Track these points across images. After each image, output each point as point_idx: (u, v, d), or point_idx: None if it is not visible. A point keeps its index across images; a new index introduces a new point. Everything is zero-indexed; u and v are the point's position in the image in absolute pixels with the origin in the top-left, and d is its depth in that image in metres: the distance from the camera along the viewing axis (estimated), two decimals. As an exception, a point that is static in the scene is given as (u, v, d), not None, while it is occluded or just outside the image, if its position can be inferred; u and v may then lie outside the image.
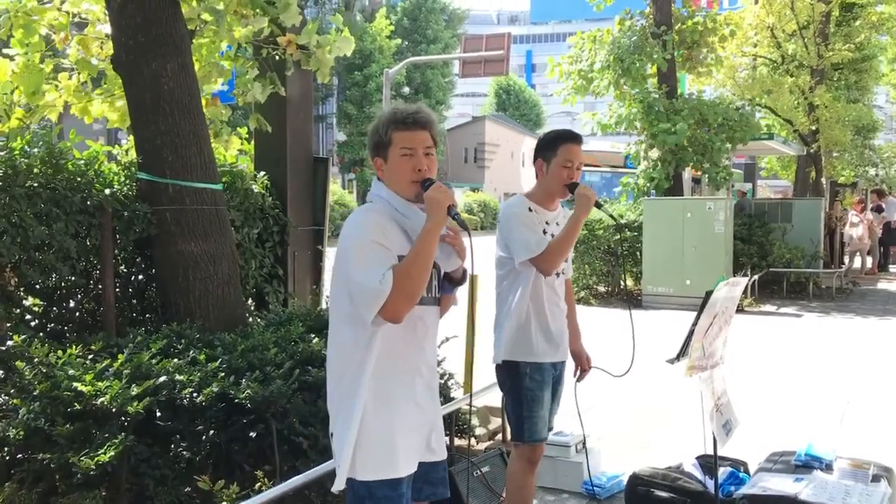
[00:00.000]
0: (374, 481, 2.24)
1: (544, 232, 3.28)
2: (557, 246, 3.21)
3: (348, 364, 2.29)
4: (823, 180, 20.64)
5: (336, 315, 2.35)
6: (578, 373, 3.58)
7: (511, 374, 3.31)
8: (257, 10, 4.84)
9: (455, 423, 4.95)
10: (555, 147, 3.26)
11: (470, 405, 5.15)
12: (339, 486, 2.27)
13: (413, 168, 2.32)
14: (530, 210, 3.29)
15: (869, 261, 18.41)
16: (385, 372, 2.28)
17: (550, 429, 3.52)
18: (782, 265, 13.78)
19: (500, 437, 5.27)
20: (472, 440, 5.17)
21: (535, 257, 3.18)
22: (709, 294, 3.04)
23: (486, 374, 5.43)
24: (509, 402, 3.37)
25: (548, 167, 3.27)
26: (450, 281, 2.45)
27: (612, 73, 14.00)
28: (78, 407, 3.17)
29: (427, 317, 2.38)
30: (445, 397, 4.88)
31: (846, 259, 17.93)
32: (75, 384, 3.16)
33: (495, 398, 5.29)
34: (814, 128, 18.96)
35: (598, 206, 3.33)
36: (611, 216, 3.62)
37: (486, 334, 5.08)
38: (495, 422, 5.43)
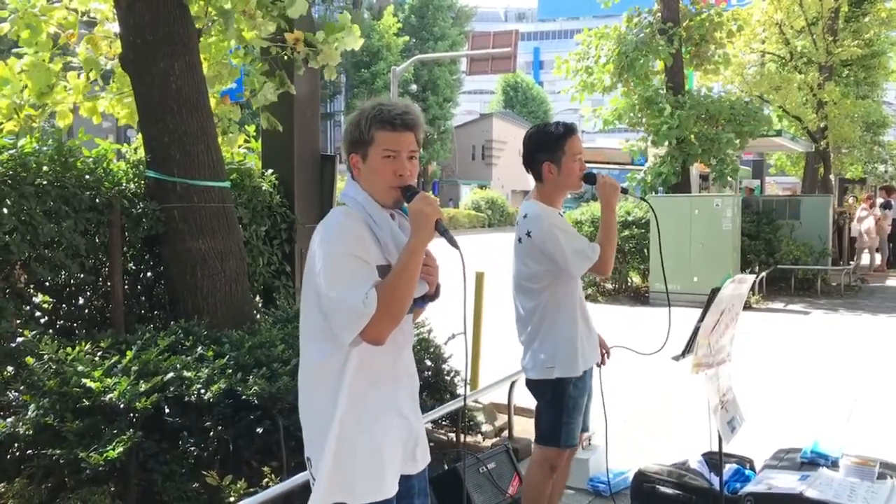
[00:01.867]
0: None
1: None
2: (608, 244, 3.19)
3: (323, 382, 2.12)
4: (832, 177, 20.56)
5: (307, 329, 2.18)
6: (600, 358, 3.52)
7: (556, 387, 3.23)
8: (265, 10, 4.84)
9: (461, 420, 4.97)
10: (561, 144, 3.19)
11: (465, 401, 5.16)
12: None
13: (394, 172, 2.13)
14: (561, 214, 3.26)
15: (878, 258, 18.33)
16: (366, 386, 2.13)
17: (586, 429, 3.50)
18: (790, 262, 13.73)
19: (505, 433, 5.28)
20: (479, 437, 5.19)
21: (598, 262, 3.16)
22: (715, 291, 3.04)
23: (491, 371, 5.46)
24: (548, 409, 3.28)
25: (559, 167, 3.21)
26: (423, 298, 2.23)
27: (615, 68, 13.95)
28: (87, 403, 3.19)
29: (405, 326, 2.22)
30: (451, 394, 4.90)
31: (855, 256, 17.85)
32: (84, 381, 3.19)
33: (501, 395, 5.31)
34: (822, 124, 18.89)
35: (625, 191, 3.29)
36: (641, 198, 3.57)
37: (491, 332, 5.13)
38: (501, 418, 5.44)
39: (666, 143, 13.22)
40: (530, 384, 3.35)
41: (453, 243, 2.12)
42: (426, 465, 2.33)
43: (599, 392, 3.41)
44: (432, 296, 2.25)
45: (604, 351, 3.52)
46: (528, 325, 3.30)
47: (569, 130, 3.23)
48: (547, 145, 3.22)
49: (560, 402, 3.25)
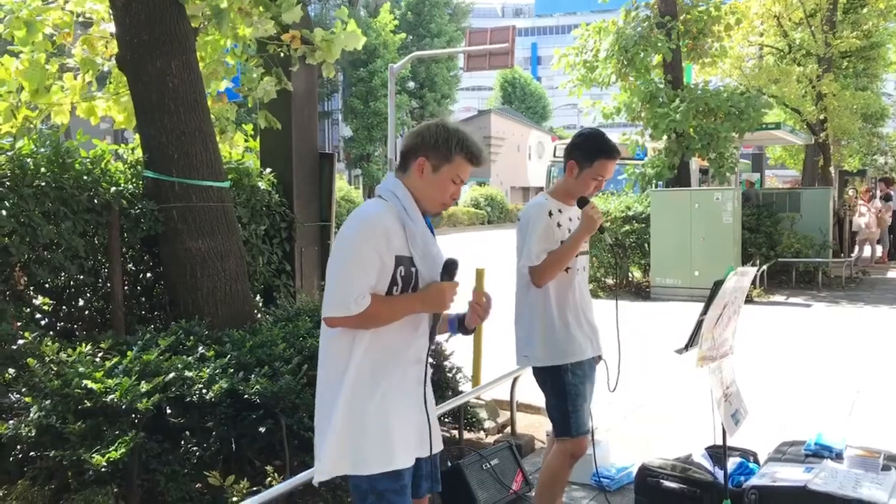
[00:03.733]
0: (375, 475, 2.23)
1: (569, 230, 3.29)
2: (554, 261, 3.22)
3: (335, 355, 2.27)
4: (832, 169, 20.52)
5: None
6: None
7: (553, 374, 3.30)
8: (260, 9, 4.84)
9: (464, 417, 4.96)
10: (593, 159, 3.24)
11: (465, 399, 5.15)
12: (319, 478, 2.27)
13: (452, 196, 2.38)
14: (551, 214, 3.27)
15: (879, 250, 18.33)
16: (381, 364, 2.26)
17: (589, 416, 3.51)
18: (791, 255, 13.72)
19: (508, 430, 5.27)
20: (481, 433, 5.18)
21: (533, 267, 3.22)
22: (717, 284, 3.03)
23: (493, 367, 5.45)
24: (552, 399, 3.34)
25: (579, 172, 3.28)
26: (461, 328, 2.47)
27: (616, 63, 13.94)
28: (88, 404, 3.18)
29: (425, 316, 2.37)
30: (454, 390, 4.90)
31: (856, 248, 17.84)
32: (86, 382, 3.18)
33: (504, 392, 5.30)
34: (822, 117, 18.85)
35: (602, 230, 3.31)
36: (610, 245, 3.61)
37: (494, 329, 5.09)
38: (504, 415, 5.43)
39: (664, 136, 13.19)
40: (533, 370, 3.40)
41: (431, 337, 2.36)
42: (438, 450, 2.42)
43: (607, 385, 3.41)
44: (466, 330, 2.47)
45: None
46: (521, 309, 3.37)
47: (609, 153, 3.26)
48: (585, 149, 3.28)
49: (561, 390, 3.29)
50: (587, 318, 3.38)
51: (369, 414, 2.23)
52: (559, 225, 3.29)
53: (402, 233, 2.27)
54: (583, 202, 3.27)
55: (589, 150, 3.26)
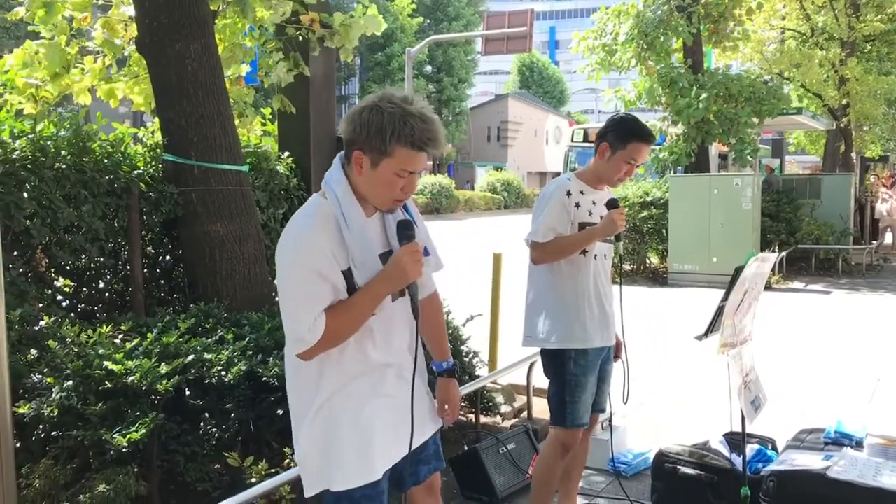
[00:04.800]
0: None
1: (590, 213, 3.23)
2: (560, 246, 3.17)
3: (307, 368, 2.09)
4: (853, 155, 20.26)
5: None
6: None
7: (555, 360, 3.26)
8: None
9: (481, 401, 4.97)
10: (626, 141, 3.16)
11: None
12: (309, 493, 2.15)
13: (403, 189, 2.05)
14: (569, 194, 3.21)
15: (900, 237, 18.12)
16: (355, 373, 2.11)
17: (602, 410, 3.47)
18: (811, 242, 13.60)
19: (525, 414, 5.28)
20: (498, 418, 5.19)
21: (536, 242, 3.18)
22: (738, 270, 3.00)
23: (510, 352, 5.45)
24: (552, 385, 3.30)
25: (611, 154, 3.19)
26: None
27: (636, 47, 13.81)
28: (109, 385, 3.21)
29: (396, 310, 2.17)
30: (470, 375, 4.90)
31: (878, 235, 17.64)
32: (106, 363, 3.21)
33: (520, 376, 5.30)
34: (844, 102, 18.59)
35: (618, 238, 3.27)
36: (620, 256, 3.56)
37: (510, 313, 5.10)
38: (520, 399, 5.44)
39: (687, 122, 13.07)
40: (541, 356, 3.38)
41: (415, 311, 2.11)
42: (433, 431, 2.33)
43: (624, 371, 3.39)
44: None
45: (619, 345, 3.47)
46: (531, 288, 3.34)
47: (645, 137, 3.19)
48: (620, 132, 3.19)
49: (561, 378, 3.24)
50: (601, 307, 3.29)
51: (345, 428, 2.09)
52: (577, 205, 3.21)
53: (339, 240, 2.02)
54: (612, 204, 3.22)
55: (624, 132, 3.18)
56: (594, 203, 3.27)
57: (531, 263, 3.31)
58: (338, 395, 2.10)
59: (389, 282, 2.04)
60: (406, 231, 2.08)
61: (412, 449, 2.18)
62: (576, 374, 3.22)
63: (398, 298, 2.16)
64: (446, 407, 2.43)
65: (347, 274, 2.03)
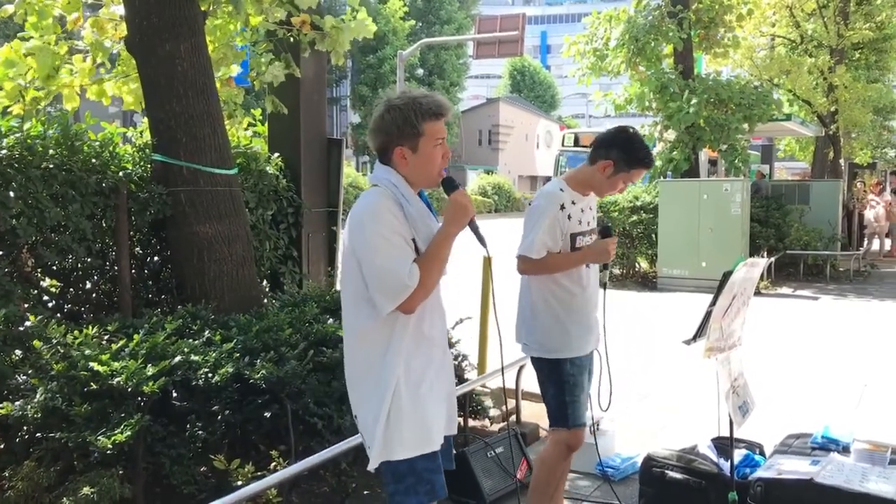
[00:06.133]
0: (415, 457, 2.27)
1: (580, 222, 3.25)
2: (551, 265, 3.20)
3: (373, 344, 2.29)
4: (842, 162, 20.40)
5: (353, 297, 2.32)
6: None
7: (552, 364, 3.27)
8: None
9: (469, 405, 4.96)
10: (632, 166, 3.19)
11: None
12: (374, 465, 2.31)
13: (443, 158, 2.35)
14: (563, 207, 3.20)
15: (888, 243, 18.23)
16: (413, 347, 2.30)
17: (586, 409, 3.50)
18: (799, 247, 13.67)
19: (513, 418, 5.27)
20: (486, 421, 5.18)
21: (529, 258, 3.17)
22: (727, 275, 3.01)
23: (498, 355, 5.44)
24: (549, 388, 3.30)
25: (614, 173, 3.20)
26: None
27: (626, 52, 13.86)
28: (94, 387, 3.19)
29: (437, 292, 2.42)
30: (460, 378, 4.89)
31: (864, 241, 17.76)
32: (92, 364, 3.18)
33: (509, 380, 5.29)
34: (832, 108, 18.72)
35: (605, 267, 3.38)
36: (605, 284, 3.52)
37: (500, 318, 5.10)
38: (509, 403, 5.42)
39: (679, 127, 13.12)
40: (532, 362, 3.38)
41: (482, 241, 2.40)
42: (455, 430, 2.48)
43: (608, 375, 3.39)
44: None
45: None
46: (525, 297, 3.35)
47: (650, 164, 3.26)
48: (629, 155, 3.19)
49: (559, 380, 3.26)
50: (591, 314, 3.33)
51: (407, 399, 2.27)
52: (570, 217, 3.21)
53: (403, 215, 2.28)
54: (605, 233, 3.28)
55: (633, 158, 3.18)
56: (583, 211, 3.30)
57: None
58: (402, 373, 2.27)
59: (456, 222, 2.30)
60: (452, 184, 2.36)
61: (447, 435, 2.40)
62: (573, 374, 3.25)
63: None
64: None
65: (413, 242, 2.28)
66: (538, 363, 3.34)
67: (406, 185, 2.32)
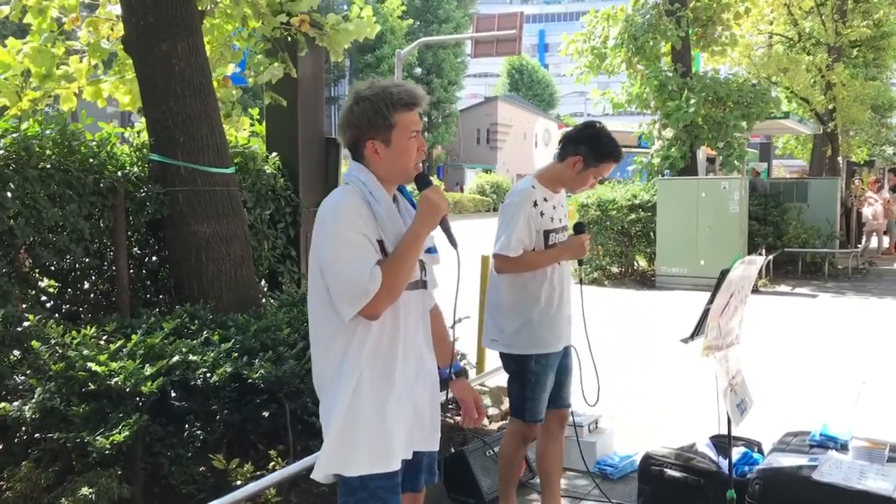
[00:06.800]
0: (369, 474, 2.13)
1: (552, 219, 3.29)
2: (527, 263, 3.22)
3: (335, 352, 2.15)
4: (840, 159, 20.41)
5: (316, 301, 2.19)
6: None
7: (517, 360, 3.33)
8: (274, 6, 4.82)
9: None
10: (601, 161, 3.24)
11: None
12: (317, 475, 2.18)
13: (418, 150, 2.21)
14: (536, 204, 3.24)
15: (886, 241, 18.25)
16: (380, 357, 2.15)
17: (568, 405, 3.55)
18: (798, 245, 13.67)
19: (512, 417, 5.27)
20: (485, 420, 5.18)
21: (505, 256, 3.18)
22: (724, 273, 3.01)
23: (497, 355, 5.44)
24: (514, 382, 3.39)
25: (583, 168, 3.24)
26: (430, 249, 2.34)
27: (625, 51, 13.87)
28: (93, 387, 3.19)
29: (413, 302, 2.25)
30: (458, 377, 4.89)
31: (863, 239, 17.76)
32: (90, 364, 3.18)
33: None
34: (830, 106, 18.72)
35: (581, 263, 3.45)
36: (580, 279, 3.59)
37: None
38: (507, 402, 5.43)
39: (677, 125, 13.13)
40: (500, 357, 3.43)
41: (453, 242, 2.26)
42: (435, 447, 2.33)
43: (594, 370, 3.41)
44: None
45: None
46: (496, 294, 3.37)
47: (618, 158, 3.29)
48: (597, 150, 3.23)
49: (522, 377, 3.31)
50: (562, 311, 3.36)
51: (368, 413, 2.12)
52: (542, 214, 3.27)
53: (370, 214, 2.15)
54: (579, 229, 3.33)
55: (600, 152, 3.23)
56: (555, 208, 3.34)
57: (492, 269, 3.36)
58: (363, 381, 2.13)
59: (426, 221, 2.14)
60: (424, 180, 2.22)
61: (425, 451, 2.26)
62: (536, 372, 3.30)
63: (413, 291, 2.23)
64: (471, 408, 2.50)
65: (380, 244, 2.15)
66: (505, 358, 3.40)
67: (375, 182, 2.18)
